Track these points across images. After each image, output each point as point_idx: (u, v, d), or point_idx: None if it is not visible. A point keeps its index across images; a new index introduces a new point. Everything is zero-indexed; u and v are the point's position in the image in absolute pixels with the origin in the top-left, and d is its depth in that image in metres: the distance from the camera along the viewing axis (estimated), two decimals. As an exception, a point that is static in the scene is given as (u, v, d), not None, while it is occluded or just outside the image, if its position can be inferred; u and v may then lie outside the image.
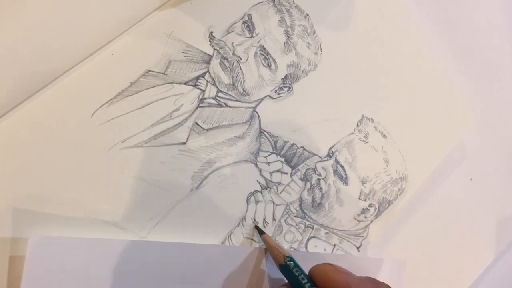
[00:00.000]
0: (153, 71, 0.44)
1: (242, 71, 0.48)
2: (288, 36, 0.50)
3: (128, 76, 0.43)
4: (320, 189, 0.51)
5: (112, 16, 0.42)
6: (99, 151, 0.42)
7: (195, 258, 0.43)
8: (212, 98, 0.47)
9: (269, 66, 0.49)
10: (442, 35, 0.62)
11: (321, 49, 0.53)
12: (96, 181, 0.41)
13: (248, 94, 0.48)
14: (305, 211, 0.50)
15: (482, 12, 0.66)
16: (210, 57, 0.47)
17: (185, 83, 0.46)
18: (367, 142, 0.54)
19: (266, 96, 0.50)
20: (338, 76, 0.54)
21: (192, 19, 0.47)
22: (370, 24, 0.56)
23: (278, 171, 0.49)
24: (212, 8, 0.48)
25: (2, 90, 0.38)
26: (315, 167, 0.52)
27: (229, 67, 0.47)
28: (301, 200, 0.50)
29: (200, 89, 0.46)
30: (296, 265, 0.40)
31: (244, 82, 0.48)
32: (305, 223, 0.50)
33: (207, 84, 0.46)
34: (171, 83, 0.45)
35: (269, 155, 0.49)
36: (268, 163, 0.49)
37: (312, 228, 0.51)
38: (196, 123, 0.46)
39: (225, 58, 0.47)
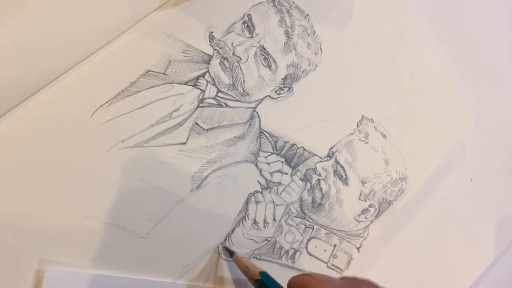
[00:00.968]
0: (153, 71, 0.44)
1: (242, 71, 0.48)
2: (288, 36, 0.50)
3: (128, 76, 0.43)
4: (320, 189, 0.51)
5: (112, 16, 0.42)
6: (99, 151, 0.41)
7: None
8: (212, 98, 0.47)
9: (269, 66, 0.49)
10: (442, 36, 0.62)
11: (321, 50, 0.53)
12: (95, 181, 0.41)
13: (248, 94, 0.48)
14: (305, 211, 0.50)
15: (482, 13, 0.66)
16: (210, 57, 0.47)
17: (185, 83, 0.46)
18: (367, 143, 0.54)
19: (266, 96, 0.50)
20: (338, 76, 0.54)
21: (192, 19, 0.47)
22: (370, 25, 0.56)
23: (278, 171, 0.49)
24: (212, 8, 0.48)
25: (2, 90, 0.38)
26: (315, 167, 0.51)
27: (229, 67, 0.47)
28: (301, 201, 0.50)
29: (200, 89, 0.46)
30: (270, 279, 0.40)
31: (244, 82, 0.48)
32: (306, 223, 0.50)
33: (207, 84, 0.46)
34: (171, 83, 0.45)
35: (269, 155, 0.49)
36: (268, 163, 0.49)
37: (313, 229, 0.51)
38: (196, 123, 0.46)
39: (225, 58, 0.47)
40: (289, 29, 0.50)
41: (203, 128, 0.46)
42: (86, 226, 0.40)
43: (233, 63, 0.48)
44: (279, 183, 0.49)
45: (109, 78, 0.43)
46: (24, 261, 0.39)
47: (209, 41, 0.47)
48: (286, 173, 0.50)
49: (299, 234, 0.50)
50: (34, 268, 0.39)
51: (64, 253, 0.40)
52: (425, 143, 0.58)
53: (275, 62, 0.50)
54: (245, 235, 0.47)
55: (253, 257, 0.48)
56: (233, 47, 0.48)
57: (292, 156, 0.50)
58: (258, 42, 0.49)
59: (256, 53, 0.49)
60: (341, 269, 0.52)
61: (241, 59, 0.48)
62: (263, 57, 0.49)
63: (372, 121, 0.55)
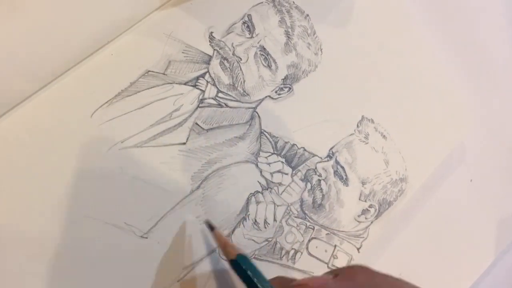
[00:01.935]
0: (152, 71, 0.44)
1: (242, 72, 0.48)
2: (288, 37, 0.50)
3: (128, 76, 0.43)
4: (321, 189, 0.51)
5: (112, 16, 0.42)
6: (99, 151, 0.41)
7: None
8: (212, 98, 0.47)
9: (269, 66, 0.49)
10: (443, 36, 0.62)
11: (321, 50, 0.53)
12: (95, 181, 0.41)
13: (248, 95, 0.48)
14: (306, 212, 0.50)
15: (482, 13, 0.66)
16: (210, 57, 0.47)
17: (185, 84, 0.45)
18: (367, 143, 0.54)
19: (266, 97, 0.50)
20: (338, 76, 0.54)
21: (192, 20, 0.47)
22: (370, 25, 0.56)
23: (278, 171, 0.49)
24: (212, 8, 0.48)
25: (2, 90, 0.38)
26: (316, 167, 0.51)
27: (229, 68, 0.47)
28: (301, 201, 0.50)
29: (200, 89, 0.46)
30: (248, 262, 0.38)
31: (244, 82, 0.48)
32: (306, 224, 0.50)
33: (207, 84, 0.46)
34: (170, 83, 0.45)
35: (269, 155, 0.49)
36: (269, 164, 0.49)
37: (313, 229, 0.51)
38: (196, 123, 0.45)
39: (225, 59, 0.47)
40: (289, 30, 0.50)
41: (203, 128, 0.46)
42: (86, 226, 0.40)
43: (233, 63, 0.48)
44: (280, 184, 0.49)
45: (109, 78, 0.43)
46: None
47: (209, 41, 0.47)
48: (287, 174, 0.50)
49: (300, 235, 0.50)
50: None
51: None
52: (425, 143, 0.58)
53: (275, 63, 0.50)
54: (246, 235, 0.47)
55: (254, 257, 0.47)
56: (233, 47, 0.48)
57: (293, 157, 0.50)
58: (258, 42, 0.49)
59: (256, 53, 0.49)
60: (341, 269, 0.52)
61: (241, 59, 0.48)
62: (263, 57, 0.49)
63: (372, 121, 0.55)
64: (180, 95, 0.45)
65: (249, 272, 0.37)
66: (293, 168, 0.50)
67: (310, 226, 0.50)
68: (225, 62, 0.47)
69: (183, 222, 0.44)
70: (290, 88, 0.51)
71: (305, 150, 0.51)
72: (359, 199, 0.53)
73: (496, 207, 0.64)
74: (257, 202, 0.48)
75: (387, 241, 0.56)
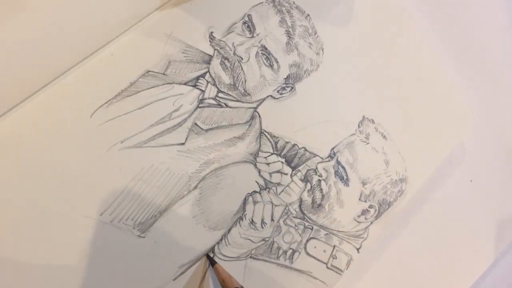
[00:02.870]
0: (152, 72, 0.44)
1: (243, 71, 0.48)
2: (289, 36, 0.50)
3: (128, 76, 0.44)
4: (321, 190, 0.51)
5: (112, 16, 0.42)
6: (98, 151, 0.42)
7: None
8: (212, 98, 0.47)
9: (271, 66, 0.49)
10: (443, 36, 0.61)
11: (322, 50, 0.53)
12: (94, 181, 0.41)
13: (249, 94, 0.48)
14: (305, 212, 0.50)
15: (482, 13, 0.66)
16: (211, 57, 0.47)
17: (185, 84, 0.46)
18: (368, 143, 0.54)
19: (268, 96, 0.50)
20: (339, 76, 0.54)
21: (192, 19, 0.47)
22: (371, 25, 0.56)
23: (277, 172, 0.49)
24: (212, 8, 0.48)
25: (2, 90, 0.38)
26: (316, 168, 0.51)
27: (230, 67, 0.47)
28: (301, 201, 0.50)
29: (200, 90, 0.46)
30: None
31: (245, 82, 0.48)
32: (305, 224, 0.50)
33: (207, 84, 0.46)
34: (170, 83, 0.45)
35: (269, 155, 0.49)
36: (268, 164, 0.49)
37: (312, 229, 0.51)
38: (195, 124, 0.46)
39: (226, 58, 0.47)
40: (290, 29, 0.50)
41: (202, 129, 0.46)
42: (84, 226, 0.41)
43: (234, 63, 0.48)
44: (279, 184, 0.49)
45: (109, 78, 0.43)
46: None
47: (210, 41, 0.47)
48: (286, 174, 0.50)
49: (298, 235, 0.50)
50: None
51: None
52: (425, 144, 0.57)
53: (277, 62, 0.50)
54: (242, 234, 0.47)
55: (250, 256, 0.48)
56: (234, 47, 0.48)
57: (293, 157, 0.50)
58: (259, 42, 0.49)
59: (257, 52, 0.49)
60: (340, 269, 0.52)
61: (242, 59, 0.48)
62: (265, 56, 0.49)
63: (373, 121, 0.54)
64: (180, 95, 0.45)
65: None
66: (293, 168, 0.50)
67: (309, 226, 0.51)
68: (226, 61, 0.47)
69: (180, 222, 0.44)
70: (292, 88, 0.51)
71: (306, 150, 0.51)
72: (359, 199, 0.53)
73: (496, 207, 0.64)
74: (255, 202, 0.48)
75: (387, 241, 0.56)
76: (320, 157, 0.52)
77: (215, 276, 0.45)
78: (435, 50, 0.59)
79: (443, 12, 0.62)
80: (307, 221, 0.50)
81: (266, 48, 0.49)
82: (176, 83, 0.45)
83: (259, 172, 0.48)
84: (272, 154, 0.49)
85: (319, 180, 0.51)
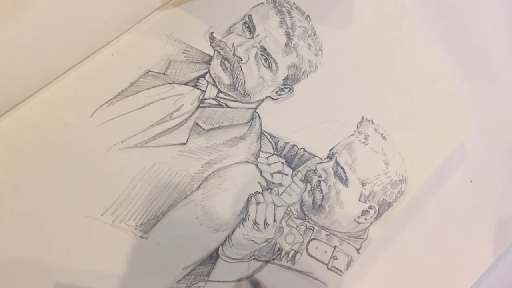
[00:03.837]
0: (153, 72, 0.44)
1: (243, 72, 0.48)
2: (288, 37, 0.50)
3: (128, 76, 0.43)
4: (321, 190, 0.51)
5: (113, 16, 0.42)
6: (99, 151, 0.41)
7: None
8: (213, 98, 0.47)
9: (269, 67, 0.49)
10: (443, 37, 0.62)
11: (321, 51, 0.53)
12: (95, 181, 0.41)
13: (248, 95, 0.48)
14: (306, 212, 0.50)
15: (482, 13, 0.66)
16: (211, 57, 0.47)
17: (185, 84, 0.45)
18: (367, 144, 0.54)
19: (267, 97, 0.50)
20: (338, 77, 0.54)
21: (192, 20, 0.47)
22: (371, 26, 0.56)
23: (279, 172, 0.49)
24: (212, 9, 0.48)
25: (2, 90, 0.38)
26: (316, 168, 0.51)
27: (229, 68, 0.47)
28: (301, 202, 0.50)
29: (201, 90, 0.46)
30: None
31: (245, 83, 0.48)
32: (306, 224, 0.50)
33: (207, 84, 0.46)
34: (171, 83, 0.45)
35: (270, 156, 0.49)
36: (269, 164, 0.49)
37: (313, 230, 0.51)
38: (197, 124, 0.45)
39: (226, 59, 0.47)
40: (290, 30, 0.50)
41: (203, 129, 0.46)
42: (85, 226, 0.40)
43: (233, 64, 0.48)
44: (280, 184, 0.49)
45: (109, 78, 0.43)
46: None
47: (210, 41, 0.47)
48: (287, 174, 0.50)
49: (300, 236, 0.50)
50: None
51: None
52: (425, 144, 0.58)
53: (275, 63, 0.50)
54: (245, 236, 0.47)
55: (253, 258, 0.47)
56: (234, 47, 0.48)
57: (293, 157, 0.50)
58: (258, 43, 0.49)
59: (257, 53, 0.49)
60: (341, 270, 0.52)
61: (241, 60, 0.48)
62: (264, 57, 0.49)
63: (372, 122, 0.55)
64: (180, 95, 0.45)
65: None
66: (293, 169, 0.50)
67: (310, 227, 0.50)
68: (226, 62, 0.47)
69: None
70: (290, 89, 0.51)
71: (305, 150, 0.51)
72: (359, 200, 0.53)
73: (496, 208, 0.64)
74: (257, 203, 0.48)
75: (387, 242, 0.56)
76: (319, 158, 0.52)
77: (219, 276, 0.45)
78: (435, 51, 0.60)
79: (443, 12, 0.62)
80: (308, 222, 0.50)
81: (265, 49, 0.49)
82: (177, 83, 0.45)
83: (261, 172, 0.48)
84: (272, 154, 0.49)
85: (319, 181, 0.51)
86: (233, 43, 0.48)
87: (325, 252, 0.51)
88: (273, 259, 0.48)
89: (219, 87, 0.47)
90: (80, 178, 0.41)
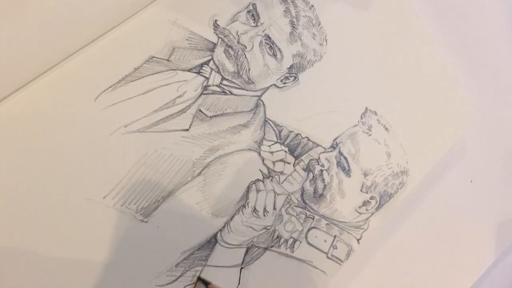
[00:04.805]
0: (157, 57, 0.44)
1: (247, 60, 0.48)
2: (293, 27, 0.50)
3: (132, 62, 0.43)
4: (323, 180, 0.51)
5: (117, 2, 0.42)
6: (102, 135, 0.42)
7: None
8: (216, 85, 0.47)
9: (274, 55, 0.49)
10: (446, 33, 0.62)
11: (326, 41, 0.52)
12: (97, 164, 0.41)
13: (253, 83, 0.48)
14: (307, 201, 0.50)
15: (484, 12, 0.66)
16: (215, 45, 0.47)
17: (189, 70, 0.45)
18: (370, 135, 0.54)
19: (271, 85, 0.50)
20: (343, 68, 0.54)
21: (196, 7, 0.46)
22: (375, 17, 0.56)
23: (281, 160, 0.49)
24: (217, -4, 0.48)
25: (6, 73, 0.38)
26: (319, 157, 0.51)
27: (233, 55, 0.47)
28: (303, 191, 0.50)
29: (204, 76, 0.46)
30: None
31: (249, 70, 0.48)
32: (306, 213, 0.50)
33: (211, 71, 0.46)
34: (174, 69, 0.45)
35: (272, 144, 0.49)
36: (272, 152, 0.49)
37: (313, 219, 0.51)
38: (200, 110, 0.46)
39: (230, 46, 0.47)
40: (294, 19, 0.50)
41: (206, 115, 0.46)
42: (87, 209, 0.41)
43: (238, 51, 0.48)
44: (281, 173, 0.49)
45: (113, 63, 0.43)
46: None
47: (214, 29, 0.47)
48: (289, 163, 0.50)
49: (299, 224, 0.50)
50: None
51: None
52: (426, 137, 0.58)
53: (280, 51, 0.50)
54: (244, 222, 0.47)
55: (252, 244, 0.48)
56: (238, 35, 0.48)
57: (296, 146, 0.51)
58: (263, 31, 0.49)
59: (261, 42, 0.49)
60: (340, 259, 0.52)
61: (246, 48, 0.48)
62: (269, 46, 0.49)
63: (376, 113, 0.55)
64: (184, 82, 0.45)
65: None
66: (296, 158, 0.50)
67: (310, 216, 0.51)
68: (230, 50, 0.47)
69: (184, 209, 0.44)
70: (295, 77, 0.51)
71: (309, 139, 0.51)
72: (361, 190, 0.53)
73: (496, 208, 0.64)
74: (258, 190, 0.48)
75: (387, 233, 0.56)
76: (323, 147, 0.52)
77: (218, 260, 0.45)
78: (439, 45, 0.59)
79: (447, 9, 0.62)
80: (308, 211, 0.51)
81: (270, 38, 0.49)
82: (180, 70, 0.45)
83: (263, 160, 0.48)
84: (276, 142, 0.49)
85: (321, 170, 0.51)
86: (237, 31, 0.48)
87: (325, 241, 0.51)
88: (272, 246, 0.49)
89: (223, 74, 0.47)
90: (83, 161, 0.41)
